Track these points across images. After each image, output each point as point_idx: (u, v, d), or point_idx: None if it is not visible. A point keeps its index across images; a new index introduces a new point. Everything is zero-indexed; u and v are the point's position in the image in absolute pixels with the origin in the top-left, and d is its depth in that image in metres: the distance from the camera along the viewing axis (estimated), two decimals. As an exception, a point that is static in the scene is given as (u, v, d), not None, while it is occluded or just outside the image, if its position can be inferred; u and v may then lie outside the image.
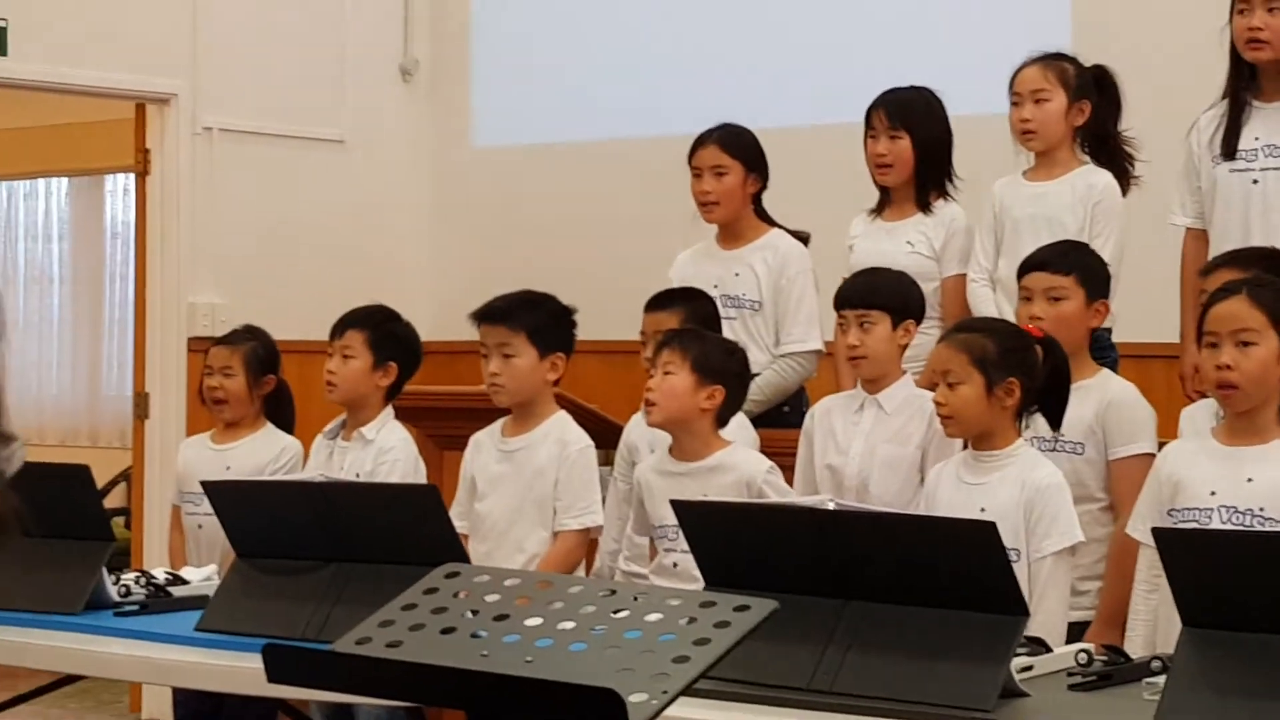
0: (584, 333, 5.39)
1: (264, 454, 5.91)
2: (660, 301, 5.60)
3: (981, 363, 4.39)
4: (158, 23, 8.28)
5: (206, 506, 4.71)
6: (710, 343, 4.99)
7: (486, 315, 5.24)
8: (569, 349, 5.24)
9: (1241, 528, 4.01)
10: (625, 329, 5.94)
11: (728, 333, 5.69)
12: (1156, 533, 3.33)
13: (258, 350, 6.00)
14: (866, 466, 5.08)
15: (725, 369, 4.90)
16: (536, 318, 5.19)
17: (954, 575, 3.32)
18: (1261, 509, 4.05)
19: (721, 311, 5.80)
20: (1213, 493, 4.11)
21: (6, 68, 7.83)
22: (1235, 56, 5.58)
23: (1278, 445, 4.10)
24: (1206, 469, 4.13)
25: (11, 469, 0.93)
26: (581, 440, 5.18)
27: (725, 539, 3.54)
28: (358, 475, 5.37)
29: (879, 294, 5.10)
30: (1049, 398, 4.49)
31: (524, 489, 5.15)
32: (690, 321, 5.42)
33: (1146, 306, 5.91)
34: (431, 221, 9.23)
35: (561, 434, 5.18)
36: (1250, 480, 4.07)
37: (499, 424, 5.29)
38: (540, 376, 5.17)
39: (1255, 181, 5.54)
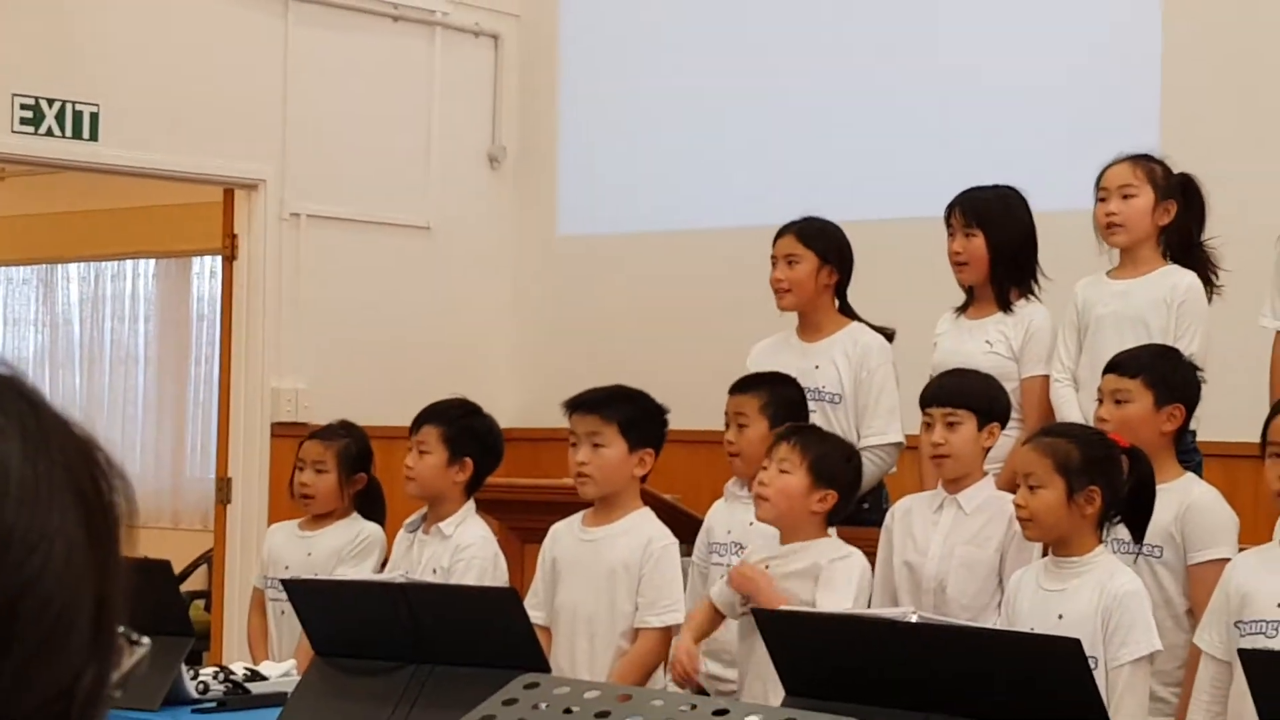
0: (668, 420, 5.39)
1: (343, 538, 5.92)
2: (745, 384, 5.60)
3: (1064, 468, 4.36)
4: (247, 109, 8.35)
5: (289, 593, 4.71)
6: (830, 445, 4.99)
7: (579, 404, 5.24)
8: (658, 447, 5.24)
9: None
10: (707, 418, 5.93)
11: (809, 425, 5.67)
12: (1244, 655, 3.29)
13: (350, 448, 5.99)
14: (945, 567, 5.04)
15: (841, 474, 4.90)
16: (629, 411, 5.20)
17: (1037, 689, 3.29)
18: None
19: (801, 405, 5.79)
20: (1280, 605, 4.06)
21: (98, 152, 7.92)
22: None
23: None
24: (1274, 581, 4.08)
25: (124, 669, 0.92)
26: (665, 537, 5.17)
27: (807, 649, 3.52)
28: (435, 570, 5.36)
29: (967, 394, 5.08)
30: (1133, 508, 4.45)
31: (603, 580, 5.13)
32: (774, 406, 5.43)
33: (1234, 407, 5.85)
34: (516, 308, 9.25)
35: (645, 529, 5.17)
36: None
37: (580, 515, 5.28)
38: (628, 470, 5.16)
39: None
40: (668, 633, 5.14)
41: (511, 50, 9.30)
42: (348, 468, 5.96)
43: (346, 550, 5.88)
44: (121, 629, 0.94)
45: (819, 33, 8.38)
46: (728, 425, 5.48)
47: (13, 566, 0.84)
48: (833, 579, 4.73)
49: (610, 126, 9.04)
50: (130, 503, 0.93)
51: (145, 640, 0.99)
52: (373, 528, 5.96)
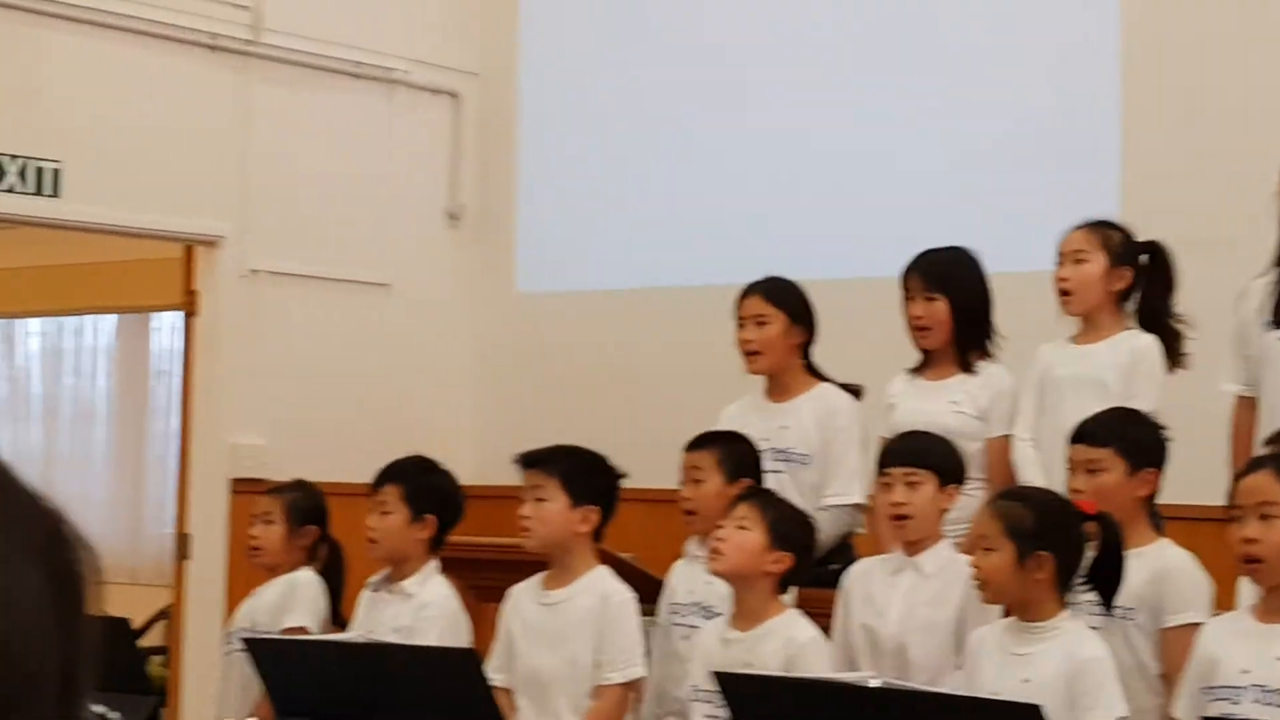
0: (625, 481, 5.41)
1: (281, 591, 5.92)
2: (701, 441, 5.63)
3: (1015, 532, 4.39)
4: (207, 166, 8.36)
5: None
6: (789, 510, 5.04)
7: (524, 459, 5.31)
8: (605, 504, 5.26)
9: (1273, 706, 3.97)
10: (666, 477, 5.94)
11: (774, 485, 5.68)
12: None
13: (300, 501, 6.02)
14: (904, 628, 5.05)
15: (798, 539, 4.94)
16: (572, 466, 5.24)
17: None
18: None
19: (770, 465, 5.80)
20: (1244, 671, 4.07)
21: (59, 208, 7.92)
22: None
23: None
24: (1240, 647, 4.11)
25: None
26: (622, 592, 5.20)
27: (768, 713, 3.53)
28: (398, 630, 5.36)
29: (928, 454, 5.10)
30: (1102, 574, 4.47)
31: (564, 643, 5.15)
32: (729, 461, 5.47)
33: (1194, 471, 5.88)
34: (475, 365, 9.26)
35: (602, 587, 5.19)
36: (1280, 659, 4.04)
37: (538, 578, 5.30)
38: (570, 525, 5.19)
39: None
40: (629, 688, 5.15)
41: (471, 108, 9.32)
42: (296, 519, 5.97)
43: (283, 603, 5.87)
44: (93, 708, 0.94)
45: (779, 92, 8.43)
46: (683, 481, 5.50)
47: None
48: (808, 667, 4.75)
49: (569, 183, 9.07)
50: (96, 574, 0.95)
51: (114, 716, 1.00)
52: (305, 576, 5.94)
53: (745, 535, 4.87)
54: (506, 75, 9.28)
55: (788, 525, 4.93)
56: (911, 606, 5.07)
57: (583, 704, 5.11)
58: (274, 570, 6.00)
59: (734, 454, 5.56)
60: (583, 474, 5.25)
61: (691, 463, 5.53)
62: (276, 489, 6.11)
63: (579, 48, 9.12)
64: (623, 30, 8.96)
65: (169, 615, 9.08)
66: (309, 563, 6.02)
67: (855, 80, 8.27)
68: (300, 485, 6.11)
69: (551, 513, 5.18)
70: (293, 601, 5.84)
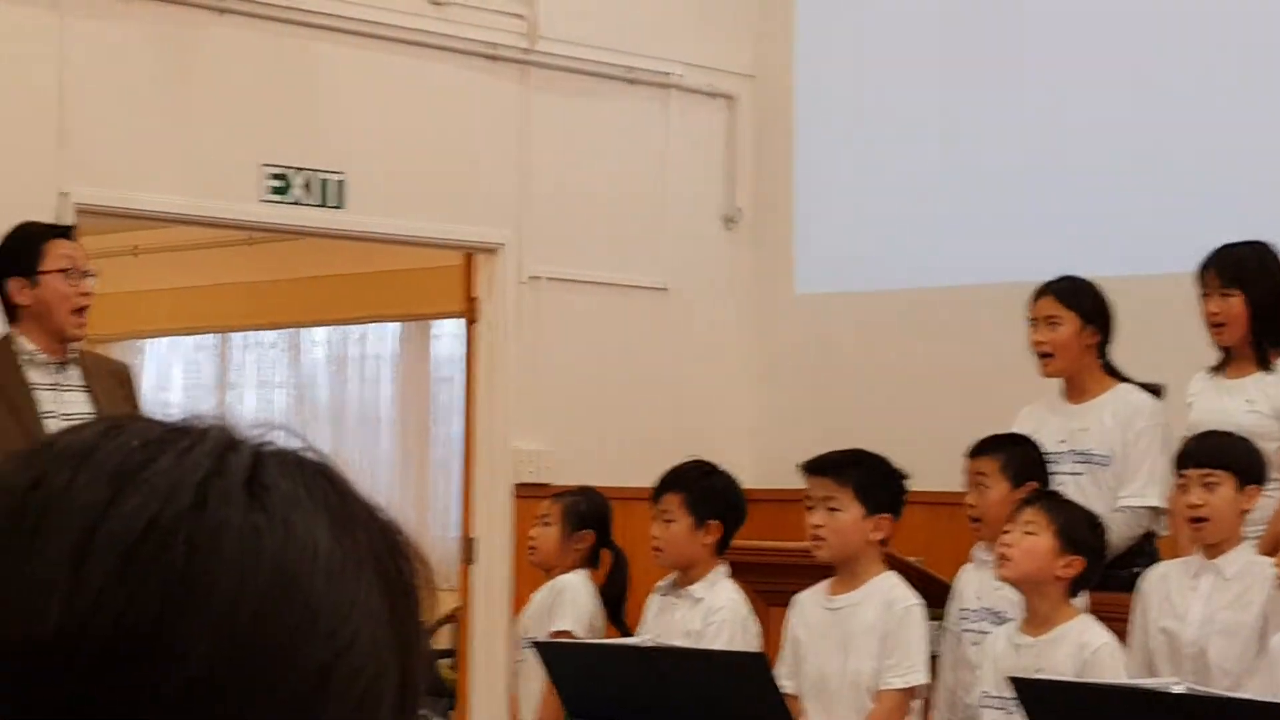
0: (908, 483, 5.35)
1: (550, 594, 5.99)
2: (984, 446, 5.57)
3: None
4: (486, 174, 8.45)
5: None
6: (1078, 512, 4.96)
7: (814, 467, 5.26)
8: (896, 511, 5.21)
9: None
10: (952, 480, 5.87)
11: (1074, 487, 5.62)
12: None
13: (579, 505, 6.10)
14: (1205, 633, 4.94)
15: (1088, 542, 4.85)
16: (865, 475, 5.19)
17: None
18: None
19: (1069, 466, 5.74)
20: None
21: (343, 219, 8.06)
22: None
23: None
24: None
25: None
26: (909, 598, 5.15)
27: (1066, 719, 3.45)
28: (687, 634, 5.38)
29: (1226, 454, 4.98)
30: None
31: (848, 648, 5.12)
32: (1014, 466, 5.39)
33: None
34: (754, 368, 9.24)
35: (888, 593, 5.15)
36: None
37: (824, 584, 5.27)
38: (863, 534, 5.15)
39: None
40: (910, 693, 5.12)
41: (746, 110, 9.31)
42: (572, 523, 6.06)
43: (550, 606, 5.95)
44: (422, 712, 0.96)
45: (1068, 85, 8.25)
46: (968, 487, 5.44)
47: (324, 636, 0.88)
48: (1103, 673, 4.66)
49: (847, 183, 9.00)
50: (430, 587, 0.96)
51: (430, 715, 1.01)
52: (572, 579, 6.00)
53: (1034, 540, 4.80)
54: (782, 76, 9.24)
55: (1077, 528, 4.84)
56: (1212, 610, 4.95)
57: (865, 709, 5.08)
58: (549, 571, 6.09)
59: (1017, 458, 5.49)
60: (875, 482, 5.21)
61: (975, 469, 5.48)
62: (560, 494, 6.19)
63: (854, 46, 9.05)
64: (899, 27, 8.87)
65: (456, 619, 9.21)
66: (584, 566, 6.07)
67: (1151, 72, 8.07)
68: (583, 490, 6.19)
69: (846, 523, 5.14)
70: (559, 605, 5.89)
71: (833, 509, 5.15)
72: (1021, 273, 6.30)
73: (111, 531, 0.86)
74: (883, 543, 5.23)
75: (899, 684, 5.08)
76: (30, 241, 5.51)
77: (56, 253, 5.46)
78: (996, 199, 8.42)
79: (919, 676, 5.11)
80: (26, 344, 5.33)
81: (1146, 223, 7.91)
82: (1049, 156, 8.28)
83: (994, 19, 8.55)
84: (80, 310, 5.43)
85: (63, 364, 5.37)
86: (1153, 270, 7.52)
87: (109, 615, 0.84)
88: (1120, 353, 6.07)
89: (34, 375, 5.28)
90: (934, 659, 5.33)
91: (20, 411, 5.18)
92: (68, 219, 7.05)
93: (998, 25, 8.53)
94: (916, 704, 5.19)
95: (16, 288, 5.41)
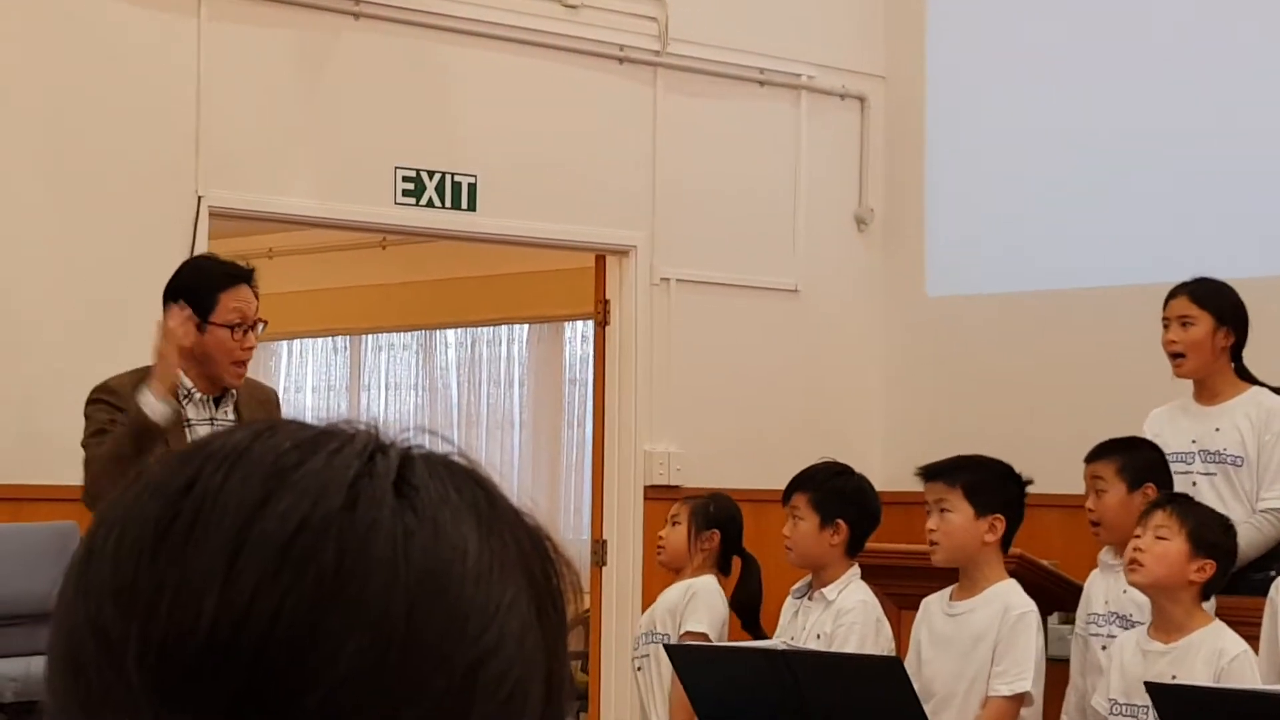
0: (1041, 485, 5.34)
1: (679, 595, 6.01)
2: (1101, 450, 5.55)
3: None
4: (617, 176, 8.47)
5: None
6: (1208, 515, 4.92)
7: (928, 472, 5.31)
8: (1011, 513, 5.19)
9: None
10: (1084, 483, 5.83)
11: (1207, 488, 5.58)
12: None
13: (707, 505, 6.13)
14: (1344, 640, 4.87)
15: (1220, 544, 4.80)
16: (975, 476, 5.21)
17: None
18: None
19: (1201, 467, 5.68)
20: None
21: (476, 222, 8.11)
22: None
23: None
24: None
25: None
26: (1024, 605, 5.15)
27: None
28: (819, 636, 5.38)
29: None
30: None
31: (964, 654, 5.14)
32: (1131, 469, 5.38)
33: None
34: (886, 370, 9.20)
35: (1005, 600, 5.15)
36: None
37: (948, 590, 5.29)
38: (975, 536, 5.15)
39: None
40: (1018, 701, 5.09)
41: (878, 111, 9.27)
42: (700, 523, 6.08)
43: (683, 606, 5.96)
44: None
45: (1206, 83, 8.15)
46: (1087, 492, 5.42)
47: (472, 638, 0.88)
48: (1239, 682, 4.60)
49: (979, 185, 8.95)
50: (576, 591, 0.97)
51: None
52: (705, 581, 6.02)
53: (1165, 545, 4.75)
54: (914, 77, 9.20)
55: (1208, 531, 4.79)
56: (1350, 617, 4.89)
57: (975, 713, 5.08)
58: (677, 572, 6.13)
59: (1134, 461, 5.46)
60: (986, 483, 5.21)
61: (1092, 473, 5.46)
62: (692, 496, 6.23)
63: (987, 47, 8.99)
64: (1030, 26, 8.81)
65: (587, 621, 9.23)
66: (714, 569, 6.09)
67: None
68: (715, 495, 6.24)
69: (956, 525, 5.15)
70: (693, 606, 5.91)
71: (945, 511, 5.17)
72: (1154, 275, 6.24)
73: (264, 531, 0.87)
74: (1005, 546, 5.21)
75: (1006, 691, 5.08)
76: (208, 286, 5.25)
77: (229, 305, 5.20)
78: (1129, 200, 8.33)
79: (1026, 684, 5.09)
80: (184, 380, 5.14)
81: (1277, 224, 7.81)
82: (1182, 157, 8.18)
83: (1126, 16, 8.47)
84: (241, 363, 5.24)
85: (219, 399, 5.28)
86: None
87: (262, 614, 0.85)
88: (1251, 355, 6.00)
89: (190, 411, 5.19)
90: (1060, 663, 5.32)
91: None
92: (204, 222, 7.14)
93: (1130, 23, 8.45)
94: (1026, 712, 5.17)
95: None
